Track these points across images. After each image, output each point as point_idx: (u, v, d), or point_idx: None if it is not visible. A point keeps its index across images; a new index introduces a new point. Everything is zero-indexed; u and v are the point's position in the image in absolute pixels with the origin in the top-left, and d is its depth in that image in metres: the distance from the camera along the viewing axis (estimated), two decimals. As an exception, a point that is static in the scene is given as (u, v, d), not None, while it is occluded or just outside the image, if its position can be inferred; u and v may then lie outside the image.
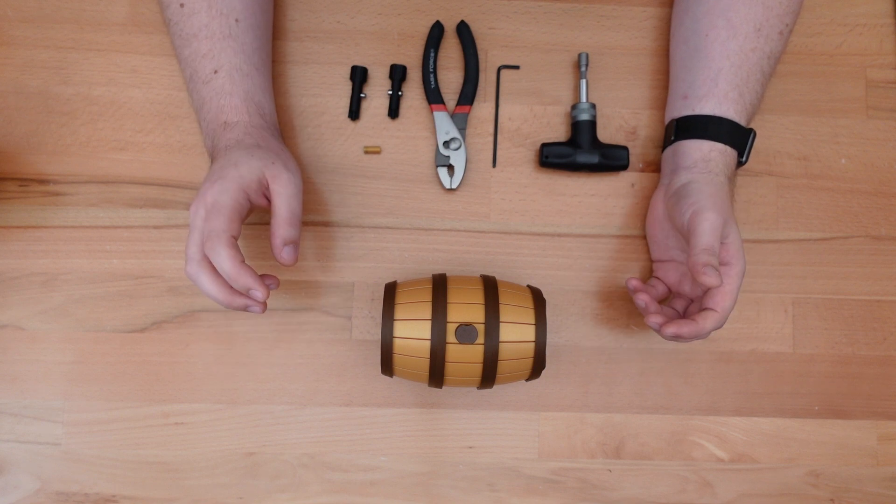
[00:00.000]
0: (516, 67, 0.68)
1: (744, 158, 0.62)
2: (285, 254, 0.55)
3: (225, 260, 0.52)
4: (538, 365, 0.57)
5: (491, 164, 0.67)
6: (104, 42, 0.67)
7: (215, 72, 0.59)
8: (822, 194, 0.67)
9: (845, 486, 0.64)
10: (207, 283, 0.53)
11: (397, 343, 0.56)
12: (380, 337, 0.62)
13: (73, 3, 0.67)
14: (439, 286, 0.57)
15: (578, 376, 0.65)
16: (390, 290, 0.58)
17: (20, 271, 0.64)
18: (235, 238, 0.53)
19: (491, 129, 0.67)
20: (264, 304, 0.54)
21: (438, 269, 0.65)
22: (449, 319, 0.55)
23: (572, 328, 0.65)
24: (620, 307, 0.65)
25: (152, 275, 0.64)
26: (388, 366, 0.57)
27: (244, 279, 0.52)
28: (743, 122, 0.61)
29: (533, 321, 0.56)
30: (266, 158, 0.56)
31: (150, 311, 0.64)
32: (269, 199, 0.57)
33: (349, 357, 0.64)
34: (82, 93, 0.66)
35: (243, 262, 0.52)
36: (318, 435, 0.63)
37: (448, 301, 0.56)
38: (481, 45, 0.68)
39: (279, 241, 0.55)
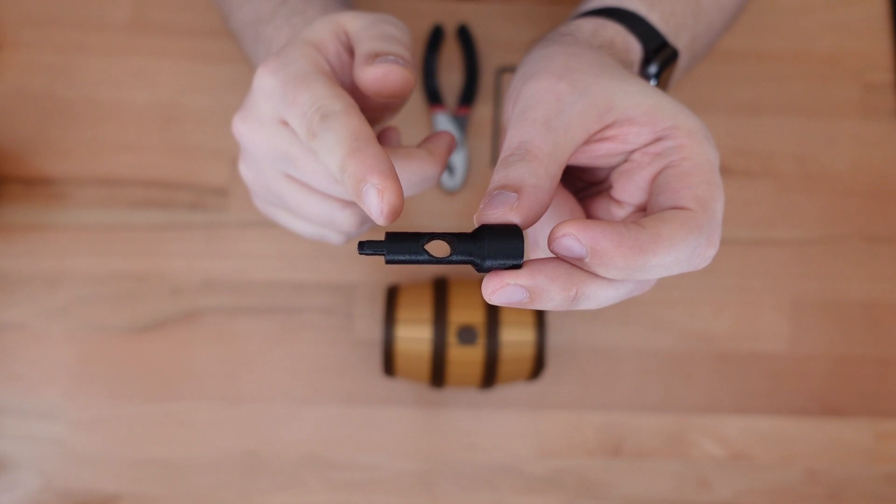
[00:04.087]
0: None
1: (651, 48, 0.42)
2: (378, 63, 0.34)
3: (342, 127, 0.32)
4: (538, 365, 0.57)
5: (491, 166, 0.67)
6: (108, 45, 0.67)
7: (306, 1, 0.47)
8: (819, 196, 0.68)
9: (842, 483, 0.65)
10: (301, 200, 0.38)
11: (398, 343, 0.56)
12: (381, 337, 0.62)
13: (77, 6, 0.68)
14: (441, 287, 0.57)
15: (578, 376, 0.65)
16: (392, 291, 0.58)
17: (25, 271, 0.65)
18: (354, 106, 0.33)
19: (491, 131, 0.68)
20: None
21: (439, 271, 0.66)
22: (450, 320, 0.55)
23: (572, 328, 0.66)
24: (620, 306, 0.66)
25: (155, 275, 0.65)
26: (389, 366, 0.57)
27: (368, 160, 0.31)
28: (643, 12, 0.43)
29: (533, 321, 0.56)
30: (335, 12, 0.39)
31: (153, 310, 0.64)
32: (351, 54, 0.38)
33: (350, 357, 0.65)
34: (86, 95, 0.67)
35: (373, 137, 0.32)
36: (319, 434, 0.64)
37: (449, 302, 0.56)
38: (482, 47, 0.69)
39: (363, 58, 0.35)
